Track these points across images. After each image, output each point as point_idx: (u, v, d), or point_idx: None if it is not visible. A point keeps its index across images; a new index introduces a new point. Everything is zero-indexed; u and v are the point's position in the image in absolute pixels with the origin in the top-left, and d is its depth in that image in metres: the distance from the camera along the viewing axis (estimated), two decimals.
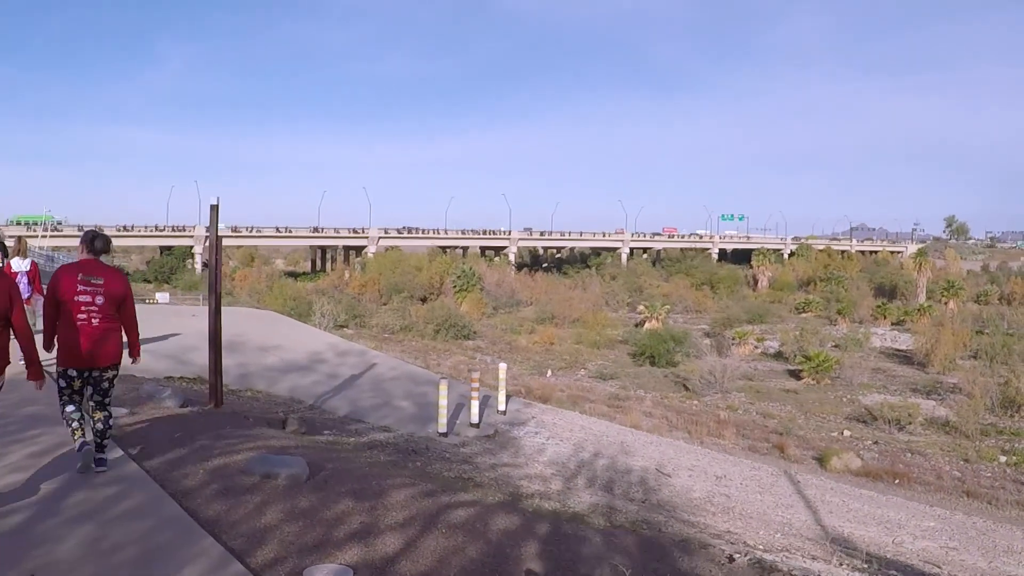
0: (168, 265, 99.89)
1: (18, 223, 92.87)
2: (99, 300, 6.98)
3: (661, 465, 14.72)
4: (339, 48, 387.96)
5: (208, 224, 10.10)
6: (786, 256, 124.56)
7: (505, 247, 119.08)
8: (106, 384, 7.20)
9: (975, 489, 24.19)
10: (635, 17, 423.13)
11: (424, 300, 79.45)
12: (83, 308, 6.91)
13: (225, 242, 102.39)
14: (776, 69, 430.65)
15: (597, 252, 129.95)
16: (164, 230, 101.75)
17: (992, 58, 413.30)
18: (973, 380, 44.77)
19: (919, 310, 79.33)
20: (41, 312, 7.68)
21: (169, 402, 9.03)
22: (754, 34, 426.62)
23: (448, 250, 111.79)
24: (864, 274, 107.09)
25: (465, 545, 5.59)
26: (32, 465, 6.88)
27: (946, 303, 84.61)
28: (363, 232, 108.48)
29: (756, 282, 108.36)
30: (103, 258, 7.21)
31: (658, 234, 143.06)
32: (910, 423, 37.12)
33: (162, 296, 53.06)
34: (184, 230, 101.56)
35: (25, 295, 11.77)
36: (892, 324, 77.04)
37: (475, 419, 14.40)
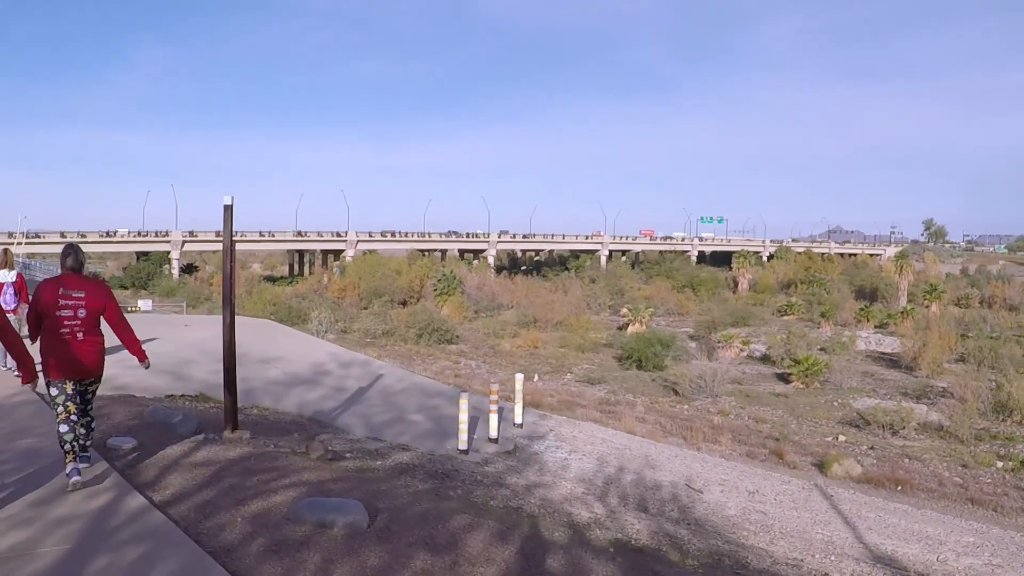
0: (145, 271, 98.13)
1: None
2: (81, 313, 7.09)
3: (690, 480, 13.98)
4: (314, 52, 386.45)
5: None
6: (765, 259, 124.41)
7: (484, 250, 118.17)
8: (89, 396, 7.35)
9: (979, 496, 23.68)
10: (613, 21, 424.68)
11: (404, 304, 78.53)
12: (66, 323, 7.02)
13: (201, 247, 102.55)
14: (753, 74, 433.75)
15: (576, 254, 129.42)
16: (147, 235, 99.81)
17: (967, 65, 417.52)
18: (964, 385, 44.34)
19: (902, 313, 79.18)
20: (26, 321, 7.40)
21: (181, 428, 8.05)
22: (732, 39, 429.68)
23: (427, 253, 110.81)
24: (844, 277, 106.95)
25: None
26: (36, 518, 5.83)
27: (928, 306, 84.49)
28: (342, 236, 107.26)
29: (736, 284, 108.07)
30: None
31: (636, 237, 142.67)
32: (904, 428, 36.70)
33: (144, 303, 51.62)
34: (155, 234, 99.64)
35: (12, 306, 11.59)
36: (875, 327, 76.69)
37: (493, 434, 13.57)
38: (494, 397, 13.70)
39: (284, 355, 15.75)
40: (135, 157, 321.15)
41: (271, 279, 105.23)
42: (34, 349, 6.89)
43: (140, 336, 15.66)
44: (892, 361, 60.40)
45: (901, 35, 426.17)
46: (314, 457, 8.23)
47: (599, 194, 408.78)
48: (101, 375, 7.56)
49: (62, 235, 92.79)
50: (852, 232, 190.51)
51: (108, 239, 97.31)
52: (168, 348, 14.13)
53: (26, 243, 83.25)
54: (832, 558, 11.10)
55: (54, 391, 7.03)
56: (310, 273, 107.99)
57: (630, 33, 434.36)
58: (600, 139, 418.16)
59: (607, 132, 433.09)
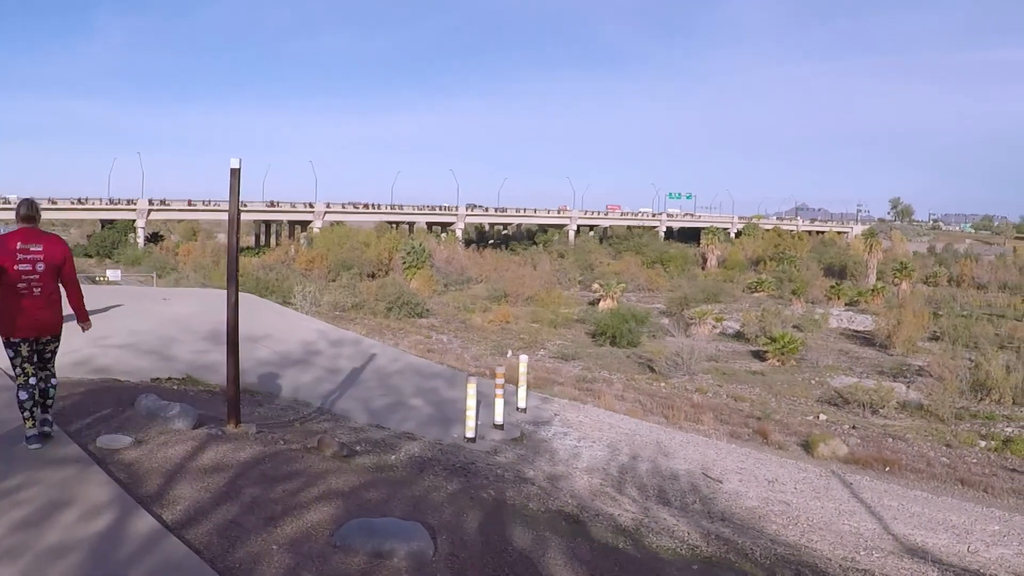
0: (110, 239, 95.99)
1: None
2: (39, 267, 6.83)
3: (706, 468, 13.25)
4: (282, 24, 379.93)
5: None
6: (733, 235, 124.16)
7: (452, 223, 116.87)
8: (48, 355, 7.12)
9: (968, 477, 23.35)
10: None
11: (373, 276, 77.37)
12: (23, 277, 6.78)
13: (167, 215, 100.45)
14: (721, 50, 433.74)
15: (544, 229, 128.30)
16: (119, 203, 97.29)
17: (934, 43, 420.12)
18: (943, 364, 44.13)
19: (872, 291, 79.27)
20: None
21: (179, 422, 6.98)
22: (699, 15, 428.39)
23: (396, 225, 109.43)
24: (813, 254, 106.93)
25: None
26: (21, 548, 4.58)
27: (898, 284, 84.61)
28: (310, 207, 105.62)
29: (705, 261, 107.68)
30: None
31: (604, 212, 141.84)
32: (883, 407, 36.44)
33: (113, 273, 49.88)
34: (127, 203, 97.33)
35: None
36: (846, 305, 76.62)
37: (499, 419, 12.67)
38: (500, 381, 12.78)
39: (272, 333, 14.67)
40: (101, 125, 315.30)
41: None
42: None
43: (119, 312, 14.65)
44: (866, 339, 60.29)
45: (869, 12, 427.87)
46: (328, 454, 7.24)
47: (567, 168, 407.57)
48: (60, 334, 7.26)
49: (50, 201, 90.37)
50: (818, 210, 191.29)
51: (78, 206, 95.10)
52: (149, 325, 13.03)
53: None
54: (875, 555, 10.47)
55: (11, 352, 6.87)
56: (277, 244, 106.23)
57: (598, 8, 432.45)
58: (568, 113, 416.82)
59: (575, 107, 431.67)
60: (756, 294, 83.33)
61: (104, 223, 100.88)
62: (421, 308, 63.10)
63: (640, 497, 10.80)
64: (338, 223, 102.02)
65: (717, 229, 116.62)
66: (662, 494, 11.37)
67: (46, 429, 6.71)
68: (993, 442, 30.84)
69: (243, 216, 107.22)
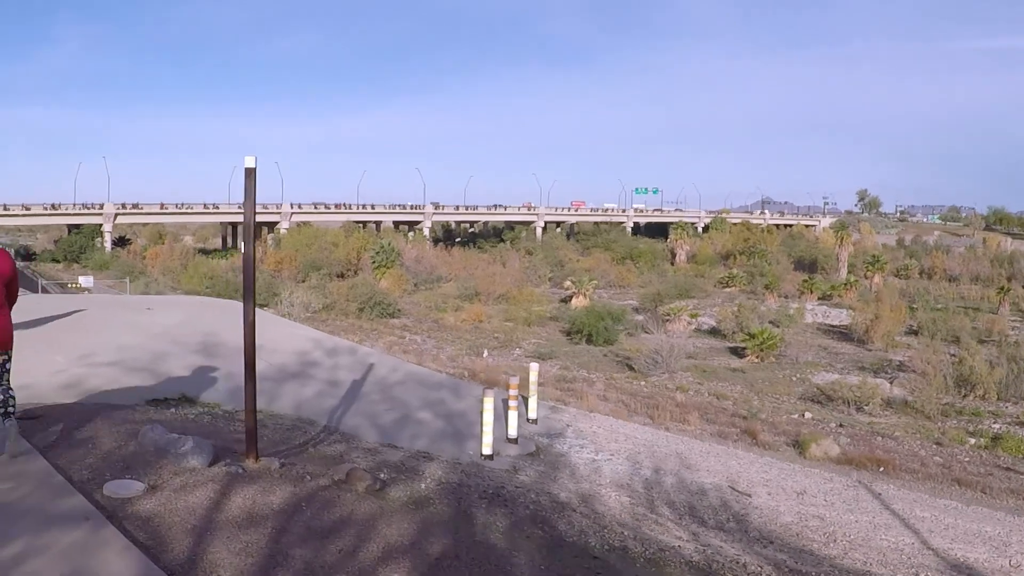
0: (78, 244, 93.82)
1: None
2: None
3: (733, 481, 12.54)
4: (240, 26, 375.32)
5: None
6: (700, 229, 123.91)
7: (419, 222, 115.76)
8: (5, 372, 6.57)
9: (964, 477, 22.86)
10: None
11: (342, 276, 76.29)
12: None
13: (133, 219, 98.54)
14: (680, 44, 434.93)
15: (511, 226, 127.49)
16: (89, 207, 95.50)
17: (896, 33, 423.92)
18: (926, 359, 43.89)
19: (846, 285, 79.19)
20: None
21: (194, 459, 5.99)
22: (657, 9, 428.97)
23: (363, 225, 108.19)
24: (782, 248, 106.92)
25: None
26: None
27: (870, 277, 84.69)
28: (276, 208, 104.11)
29: (674, 256, 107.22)
30: None
31: (568, 208, 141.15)
32: (868, 403, 36.17)
33: (85, 280, 48.13)
34: (93, 207, 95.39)
35: None
36: (819, 299, 76.49)
37: (513, 433, 11.84)
38: (514, 392, 11.93)
39: (264, 343, 13.60)
40: (65, 132, 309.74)
41: (204, 252, 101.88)
42: None
43: (104, 325, 13.65)
44: (843, 334, 60.09)
45: (829, 2, 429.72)
46: (361, 489, 6.36)
47: (532, 165, 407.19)
48: (11, 349, 6.69)
49: (4, 208, 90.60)
50: (783, 203, 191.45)
51: (47, 212, 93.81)
52: (136, 338, 12.01)
53: None
54: (923, 574, 9.86)
55: None
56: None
57: (555, 4, 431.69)
58: (531, 110, 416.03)
59: (538, 103, 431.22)
60: (727, 289, 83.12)
61: (71, 228, 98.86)
62: (393, 308, 62.16)
63: (675, 516, 10.14)
64: (305, 224, 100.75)
65: (685, 224, 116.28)
66: (694, 511, 10.71)
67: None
68: (982, 439, 30.61)
69: (208, 218, 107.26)
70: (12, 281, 6.60)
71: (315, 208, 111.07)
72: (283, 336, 15.37)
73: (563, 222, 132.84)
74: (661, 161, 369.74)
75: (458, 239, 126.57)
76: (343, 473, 6.69)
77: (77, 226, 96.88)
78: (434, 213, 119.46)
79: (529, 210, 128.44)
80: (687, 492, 11.47)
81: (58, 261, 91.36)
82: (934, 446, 29.23)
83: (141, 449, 6.30)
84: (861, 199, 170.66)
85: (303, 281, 70.82)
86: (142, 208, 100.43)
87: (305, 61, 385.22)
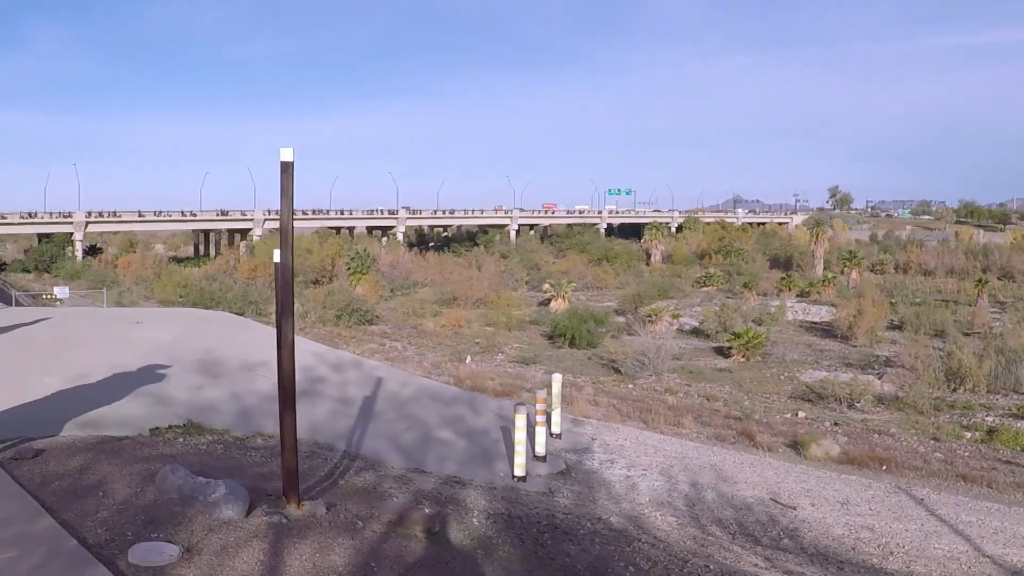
0: (48, 253, 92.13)
1: None
2: None
3: (774, 494, 11.90)
4: (211, 30, 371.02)
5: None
6: (673, 229, 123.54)
7: (392, 227, 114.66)
8: None
9: (967, 472, 22.41)
10: None
11: (317, 283, 75.20)
12: None
13: (104, 227, 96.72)
14: (650, 45, 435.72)
15: (485, 229, 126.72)
16: (62, 215, 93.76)
17: (861, 33, 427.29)
18: (914, 354, 43.50)
19: (823, 281, 78.98)
20: None
21: (228, 508, 5.01)
22: (629, 11, 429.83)
23: (337, 231, 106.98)
24: (757, 246, 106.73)
25: None
26: None
27: (847, 273, 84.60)
28: (249, 214, 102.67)
29: (649, 257, 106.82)
30: None
31: (540, 211, 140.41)
32: (860, 401, 35.78)
33: (60, 291, 46.32)
34: (63, 216, 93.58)
35: None
36: (797, 296, 76.16)
37: (541, 451, 11.03)
38: (541, 407, 11.08)
39: (267, 360, 12.67)
40: (34, 137, 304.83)
41: (177, 260, 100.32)
42: None
43: (89, 341, 12.70)
44: (825, 331, 59.76)
45: (796, 4, 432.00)
46: (419, 534, 5.52)
47: (506, 168, 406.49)
48: None
49: None
50: (754, 201, 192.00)
51: (18, 221, 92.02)
52: (131, 357, 11.01)
53: None
54: None
55: None
56: (217, 254, 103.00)
57: (528, 6, 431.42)
58: (505, 113, 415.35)
59: (511, 106, 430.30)
60: (705, 288, 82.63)
61: (41, 237, 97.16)
62: (371, 315, 61.08)
63: (728, 536, 9.46)
64: (277, 230, 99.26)
65: (660, 224, 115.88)
66: (745, 529, 10.09)
67: None
68: (977, 433, 30.34)
69: (180, 226, 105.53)
70: None
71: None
72: None
73: (536, 225, 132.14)
74: (633, 162, 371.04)
75: (432, 244, 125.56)
76: (394, 514, 5.83)
77: (48, 235, 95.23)
78: (408, 218, 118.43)
79: (501, 213, 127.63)
80: (731, 507, 10.78)
81: (29, 271, 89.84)
82: (931, 442, 28.87)
83: (162, 496, 5.35)
84: (833, 195, 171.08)
85: None
86: (119, 216, 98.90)
87: (275, 66, 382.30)
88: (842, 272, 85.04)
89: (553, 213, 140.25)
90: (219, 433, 8.57)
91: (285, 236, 5.85)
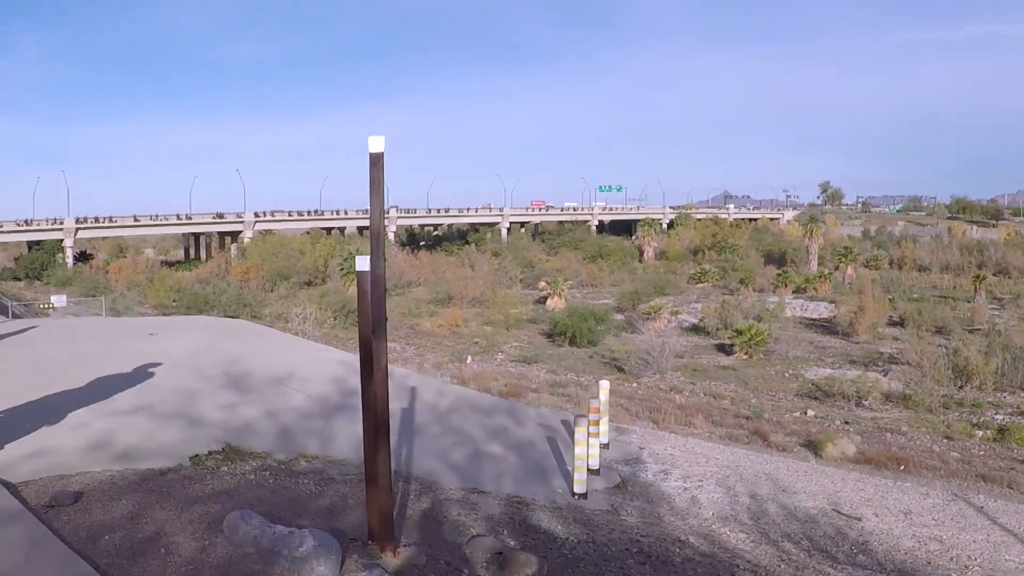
0: (39, 260, 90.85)
1: None
2: None
3: (835, 504, 11.43)
4: (195, 32, 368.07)
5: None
6: (665, 226, 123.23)
7: (384, 226, 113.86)
8: None
9: (986, 472, 22.26)
10: None
11: (309, 284, 74.54)
12: None
13: (93, 233, 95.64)
14: (637, 41, 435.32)
15: (476, 228, 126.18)
16: (45, 223, 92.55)
17: (852, 27, 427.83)
18: (920, 351, 43.17)
19: (820, 277, 78.81)
20: None
21: (321, 565, 4.17)
22: (613, 6, 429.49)
23: (328, 231, 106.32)
24: (751, 242, 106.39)
25: None
26: None
27: (842, 269, 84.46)
28: (239, 216, 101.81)
29: (642, 253, 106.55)
30: None
31: (530, 208, 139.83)
32: (867, 398, 35.53)
33: (58, 299, 45.19)
34: (41, 223, 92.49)
35: None
36: (793, 292, 75.90)
37: (595, 463, 10.48)
38: (595, 416, 10.52)
39: (292, 369, 12.05)
40: (21, 144, 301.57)
41: (167, 264, 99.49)
42: None
43: (102, 357, 11.96)
44: (825, 327, 59.47)
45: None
46: None
47: (495, 166, 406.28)
48: None
49: None
50: (743, 197, 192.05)
51: (17, 229, 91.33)
52: (154, 373, 10.34)
53: None
54: None
55: None
56: (208, 257, 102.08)
57: (514, 4, 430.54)
58: (494, 111, 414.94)
59: (501, 104, 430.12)
60: (700, 285, 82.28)
61: (31, 244, 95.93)
62: None
63: (802, 552, 9.03)
64: (268, 232, 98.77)
65: (652, 220, 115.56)
66: (816, 544, 9.64)
67: None
68: (988, 431, 30.14)
69: (169, 229, 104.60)
70: None
71: (278, 215, 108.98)
72: (309, 360, 13.76)
73: (527, 222, 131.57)
74: (622, 159, 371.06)
75: (423, 242, 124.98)
76: (488, 554, 5.21)
77: (38, 242, 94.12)
78: (399, 217, 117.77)
79: (489, 211, 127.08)
80: (796, 520, 10.31)
81: (19, 279, 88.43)
82: (944, 440, 28.65)
83: (237, 551, 4.62)
84: (824, 191, 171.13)
85: (271, 291, 69.07)
86: (115, 220, 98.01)
87: (262, 66, 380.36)
88: (837, 268, 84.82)
89: (548, 210, 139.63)
90: (261, 457, 7.91)
91: (376, 240, 5.19)
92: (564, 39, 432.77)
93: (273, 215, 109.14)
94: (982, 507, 12.53)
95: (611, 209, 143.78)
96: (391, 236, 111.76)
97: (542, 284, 74.03)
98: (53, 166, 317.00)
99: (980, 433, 30.29)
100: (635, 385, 40.05)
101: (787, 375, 44.15)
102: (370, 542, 5.10)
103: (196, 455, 7.44)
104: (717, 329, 55.28)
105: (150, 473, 6.54)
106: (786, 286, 76.81)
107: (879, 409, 35.19)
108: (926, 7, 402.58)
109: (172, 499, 5.68)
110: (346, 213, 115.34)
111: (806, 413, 33.58)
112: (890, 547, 9.89)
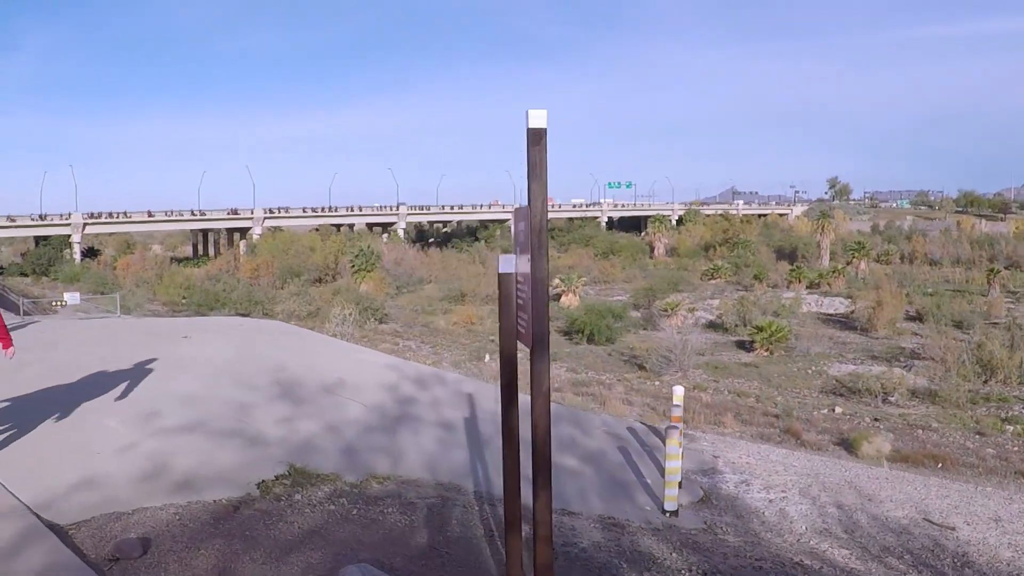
0: (46, 256, 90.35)
1: None
2: None
3: (925, 512, 10.86)
4: (203, 25, 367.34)
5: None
6: (674, 222, 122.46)
7: (393, 223, 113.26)
8: None
9: None
10: None
11: (320, 281, 73.89)
12: None
13: (101, 229, 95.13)
14: (648, 38, 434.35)
15: (485, 224, 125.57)
16: (53, 219, 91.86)
17: (860, 22, 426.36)
18: (944, 346, 42.58)
19: (833, 272, 78.20)
20: None
21: None
22: (621, 3, 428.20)
23: (338, 228, 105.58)
24: (761, 238, 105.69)
25: None
26: None
27: (855, 264, 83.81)
28: (248, 213, 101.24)
29: (653, 249, 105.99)
30: None
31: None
32: (893, 394, 35.03)
33: (71, 297, 44.13)
34: (55, 218, 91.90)
35: None
36: (807, 287, 75.22)
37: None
38: (680, 426, 9.92)
39: (341, 376, 11.33)
40: (27, 139, 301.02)
41: (175, 260, 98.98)
42: None
43: (130, 358, 11.27)
44: (843, 322, 58.91)
45: None
46: None
47: (504, 162, 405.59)
48: None
49: None
50: (751, 193, 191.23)
51: (9, 224, 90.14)
52: (197, 383, 9.40)
53: None
54: None
55: None
56: (216, 253, 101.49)
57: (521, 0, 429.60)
58: (502, 107, 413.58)
59: (508, 99, 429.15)
60: (713, 281, 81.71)
61: (38, 240, 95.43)
62: (380, 313, 59.70)
63: (908, 568, 8.51)
64: (277, 229, 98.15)
65: (662, 217, 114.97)
66: (919, 559, 9.03)
67: None
68: (1019, 426, 29.74)
69: (176, 226, 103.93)
70: None
71: (287, 212, 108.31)
72: (358, 365, 13.06)
73: None
74: (631, 155, 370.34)
75: (432, 239, 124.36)
76: None
77: (45, 238, 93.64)
78: (409, 213, 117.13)
79: (502, 208, 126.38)
80: (891, 532, 9.78)
81: (26, 275, 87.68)
82: (976, 436, 28.14)
83: None
84: (832, 187, 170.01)
85: (282, 288, 68.47)
86: (129, 216, 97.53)
87: (270, 60, 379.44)
88: (849, 263, 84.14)
89: (559, 207, 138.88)
90: (331, 480, 7.24)
91: (539, 235, 4.39)
92: (573, 35, 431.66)
93: (288, 211, 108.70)
94: None
95: (620, 205, 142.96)
96: (400, 233, 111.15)
97: (556, 281, 73.38)
98: (60, 161, 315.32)
99: (1011, 428, 29.88)
100: (658, 383, 39.46)
101: (810, 372, 43.63)
102: None
103: (263, 481, 6.75)
104: (736, 326, 54.72)
105: (221, 509, 5.83)
106: (799, 281, 76.12)
107: (906, 405, 34.79)
108: (931, 4, 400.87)
109: (260, 546, 4.97)
110: (360, 209, 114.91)
111: (834, 410, 33.22)
112: (990, 558, 9.40)
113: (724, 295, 69.61)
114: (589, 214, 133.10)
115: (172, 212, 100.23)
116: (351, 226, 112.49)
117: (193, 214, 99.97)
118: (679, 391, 12.10)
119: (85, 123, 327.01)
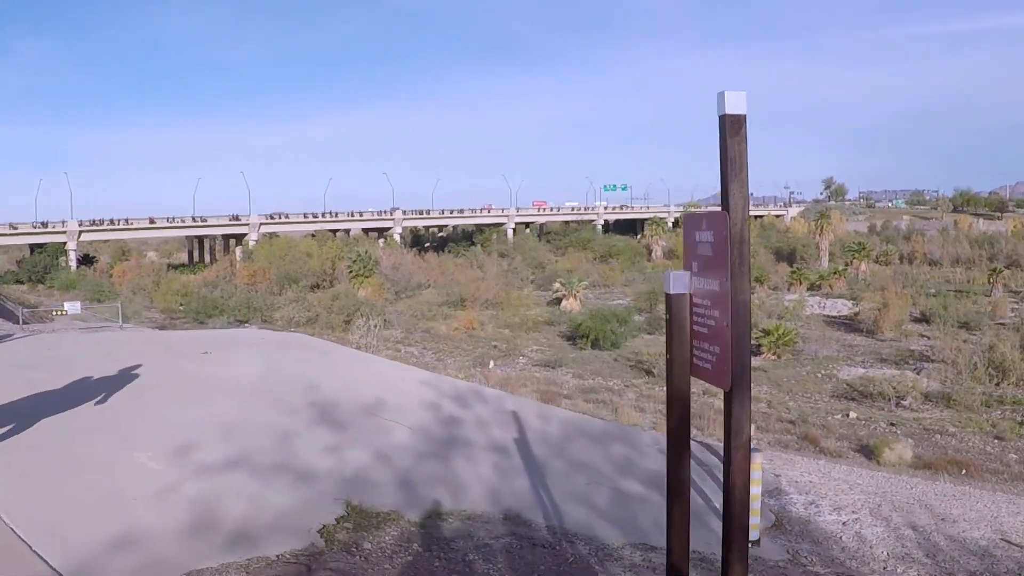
0: (42, 263, 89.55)
1: None
2: None
3: (1001, 532, 10.28)
4: (193, 35, 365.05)
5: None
6: (671, 224, 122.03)
7: (389, 228, 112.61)
8: None
9: None
10: None
11: (317, 287, 73.15)
12: None
13: (96, 236, 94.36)
14: (638, 38, 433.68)
15: (481, 229, 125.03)
16: (49, 226, 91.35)
17: (852, 21, 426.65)
18: (955, 348, 42.14)
19: (834, 273, 77.80)
20: None
21: None
22: (613, 5, 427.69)
23: (334, 233, 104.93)
24: (759, 240, 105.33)
25: None
26: None
27: (855, 265, 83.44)
28: (244, 219, 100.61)
29: (650, 252, 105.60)
30: None
31: (531, 208, 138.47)
32: (906, 398, 34.58)
33: (71, 306, 43.08)
34: (56, 225, 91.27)
35: None
36: (808, 289, 74.78)
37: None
38: (760, 449, 9.31)
39: (378, 395, 10.59)
40: (23, 147, 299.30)
41: (172, 267, 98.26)
42: None
43: (154, 378, 10.47)
44: (848, 324, 58.38)
45: None
46: None
47: (499, 166, 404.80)
48: None
49: None
50: None
51: (22, 231, 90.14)
52: (230, 408, 8.55)
53: None
54: None
55: None
56: (212, 260, 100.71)
57: (514, 3, 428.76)
58: (497, 110, 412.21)
59: (503, 103, 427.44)
60: None
61: (33, 247, 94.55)
62: (380, 319, 58.94)
63: None
64: (273, 235, 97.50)
65: (659, 219, 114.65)
66: None
67: None
68: None
69: (172, 232, 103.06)
70: None
71: (283, 218, 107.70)
72: (393, 382, 12.34)
73: (532, 223, 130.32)
74: (625, 157, 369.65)
75: (427, 244, 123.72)
76: None
77: (40, 245, 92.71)
78: (405, 218, 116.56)
79: (501, 212, 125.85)
80: (973, 556, 9.21)
81: (22, 282, 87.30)
82: (995, 441, 27.64)
83: None
84: (827, 187, 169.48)
85: (279, 294, 67.83)
86: (130, 223, 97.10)
87: (263, 66, 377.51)
88: (848, 264, 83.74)
89: (556, 210, 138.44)
90: (394, 520, 6.52)
91: (740, 247, 3.67)
92: (565, 38, 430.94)
93: (286, 216, 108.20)
94: None
95: (616, 208, 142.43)
96: (396, 238, 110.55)
97: (556, 285, 72.76)
98: (55, 169, 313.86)
99: None
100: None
101: (820, 375, 43.15)
102: None
103: (324, 526, 6.01)
104: None
105: (291, 571, 5.01)
106: (800, 283, 75.71)
107: (920, 409, 34.39)
108: (924, 1, 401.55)
109: None
110: (359, 215, 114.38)
111: (848, 415, 32.89)
112: None
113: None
114: (585, 217, 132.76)
115: (174, 219, 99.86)
116: (347, 231, 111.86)
117: (194, 220, 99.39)
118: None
119: (79, 131, 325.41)
